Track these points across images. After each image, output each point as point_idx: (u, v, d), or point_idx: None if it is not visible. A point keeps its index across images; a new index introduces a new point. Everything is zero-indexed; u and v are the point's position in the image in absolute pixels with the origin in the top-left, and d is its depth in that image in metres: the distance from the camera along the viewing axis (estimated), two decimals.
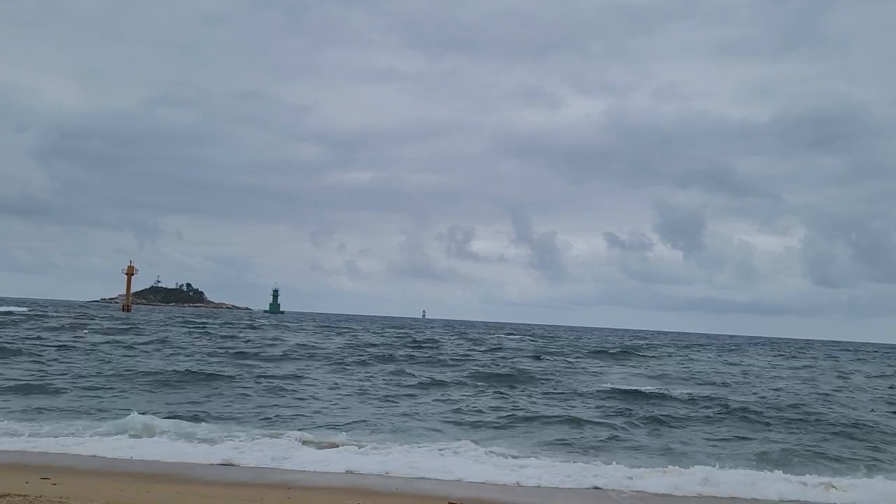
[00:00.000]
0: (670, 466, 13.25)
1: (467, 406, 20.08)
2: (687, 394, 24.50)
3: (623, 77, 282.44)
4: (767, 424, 18.96)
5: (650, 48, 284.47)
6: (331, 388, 22.78)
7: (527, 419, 18.16)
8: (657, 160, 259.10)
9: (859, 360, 64.91)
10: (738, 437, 17.23)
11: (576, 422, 17.88)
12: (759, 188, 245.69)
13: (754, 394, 26.20)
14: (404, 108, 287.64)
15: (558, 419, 18.22)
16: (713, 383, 30.11)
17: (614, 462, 13.30)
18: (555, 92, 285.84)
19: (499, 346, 51.97)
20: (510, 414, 18.79)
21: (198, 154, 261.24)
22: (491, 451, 13.95)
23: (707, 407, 21.45)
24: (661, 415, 19.47)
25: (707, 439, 16.78)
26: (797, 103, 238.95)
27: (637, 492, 11.57)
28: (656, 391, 24.82)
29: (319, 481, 11.40)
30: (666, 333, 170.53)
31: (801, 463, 14.46)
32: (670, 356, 51.23)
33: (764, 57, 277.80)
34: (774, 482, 12.37)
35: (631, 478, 12.20)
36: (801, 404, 23.07)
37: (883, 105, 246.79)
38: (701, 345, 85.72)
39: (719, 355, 58.14)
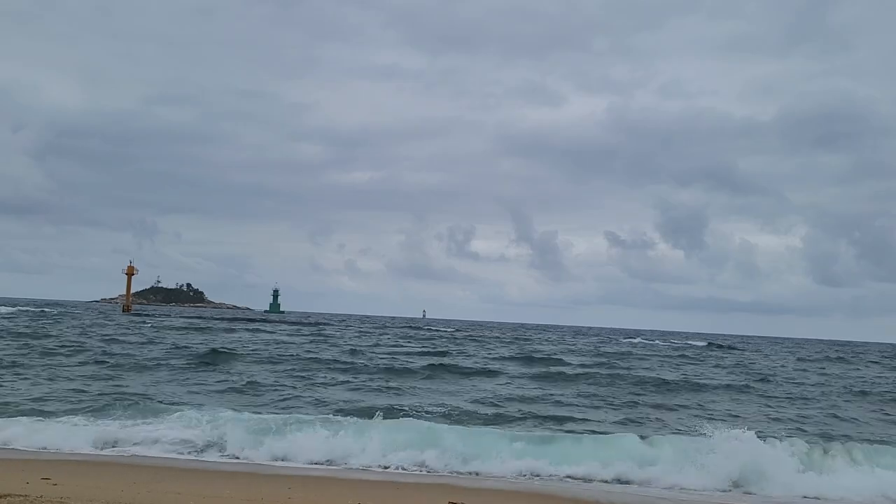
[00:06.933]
0: None
1: None
2: None
3: (626, 74, 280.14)
4: None
5: (654, 45, 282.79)
6: None
7: None
8: (659, 158, 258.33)
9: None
10: None
11: None
12: (761, 187, 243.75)
13: None
14: (404, 106, 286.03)
15: None
16: None
17: None
18: (557, 89, 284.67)
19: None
20: None
21: (197, 153, 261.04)
22: None
23: None
24: None
25: None
26: (801, 101, 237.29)
27: None
28: None
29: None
30: (664, 332, 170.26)
31: None
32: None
33: (769, 54, 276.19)
34: None
35: None
36: None
37: (888, 103, 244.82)
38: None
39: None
